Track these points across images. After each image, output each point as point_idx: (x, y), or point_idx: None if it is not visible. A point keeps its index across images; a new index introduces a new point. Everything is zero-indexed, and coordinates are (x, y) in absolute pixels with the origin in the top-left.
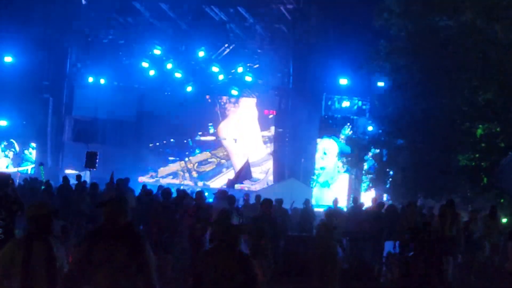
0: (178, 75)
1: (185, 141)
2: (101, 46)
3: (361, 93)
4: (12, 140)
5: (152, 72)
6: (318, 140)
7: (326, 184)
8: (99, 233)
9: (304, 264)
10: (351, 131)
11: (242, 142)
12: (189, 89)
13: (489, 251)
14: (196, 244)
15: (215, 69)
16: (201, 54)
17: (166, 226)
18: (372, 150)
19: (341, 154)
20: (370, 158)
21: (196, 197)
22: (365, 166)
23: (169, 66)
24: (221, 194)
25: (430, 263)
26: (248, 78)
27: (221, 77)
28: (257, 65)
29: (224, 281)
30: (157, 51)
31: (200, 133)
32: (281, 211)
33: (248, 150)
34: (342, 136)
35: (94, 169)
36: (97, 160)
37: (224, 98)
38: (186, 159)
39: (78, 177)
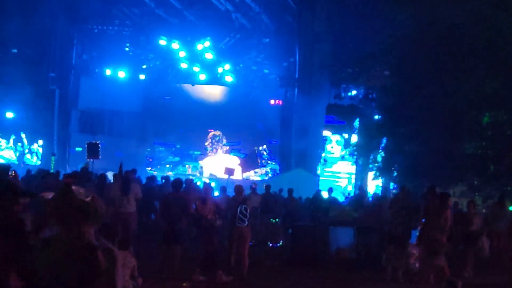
0: (184, 65)
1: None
2: (107, 38)
3: (367, 82)
4: (21, 134)
5: (158, 62)
6: (328, 133)
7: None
8: None
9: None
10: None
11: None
12: (202, 77)
13: (487, 242)
14: (205, 233)
15: (220, 59)
16: (207, 44)
17: (177, 216)
18: (379, 139)
19: (348, 144)
20: (378, 147)
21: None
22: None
23: (176, 56)
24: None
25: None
26: (254, 68)
27: (227, 67)
28: (263, 55)
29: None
30: (162, 42)
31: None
32: (292, 200)
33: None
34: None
35: (97, 159)
36: (99, 150)
37: (211, 133)
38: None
39: (84, 169)
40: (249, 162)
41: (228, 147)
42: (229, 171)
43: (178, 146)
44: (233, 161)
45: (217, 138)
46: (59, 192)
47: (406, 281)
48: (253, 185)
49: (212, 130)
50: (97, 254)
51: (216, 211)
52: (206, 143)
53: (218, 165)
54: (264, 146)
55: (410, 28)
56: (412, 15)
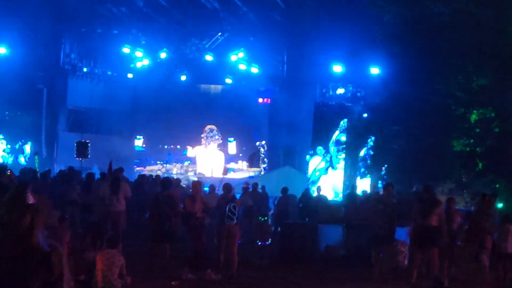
0: (171, 64)
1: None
2: (95, 37)
3: (355, 80)
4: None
5: (146, 62)
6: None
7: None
8: None
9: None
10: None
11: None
12: (183, 78)
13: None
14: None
15: (208, 57)
16: (195, 43)
17: (167, 215)
18: (368, 137)
19: (337, 142)
20: (366, 145)
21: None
22: (362, 153)
23: (163, 55)
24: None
25: None
26: (242, 67)
27: (214, 65)
28: (251, 54)
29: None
30: (150, 41)
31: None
32: (286, 198)
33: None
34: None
35: (86, 158)
36: (89, 149)
37: (207, 127)
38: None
39: (70, 168)
40: (255, 159)
41: (221, 141)
42: (225, 171)
43: (166, 146)
44: (221, 158)
45: (212, 133)
46: (12, 194)
47: (394, 278)
48: (245, 185)
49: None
50: (51, 257)
51: (204, 209)
52: (202, 135)
53: (208, 160)
54: (263, 142)
55: (398, 26)
56: (400, 14)
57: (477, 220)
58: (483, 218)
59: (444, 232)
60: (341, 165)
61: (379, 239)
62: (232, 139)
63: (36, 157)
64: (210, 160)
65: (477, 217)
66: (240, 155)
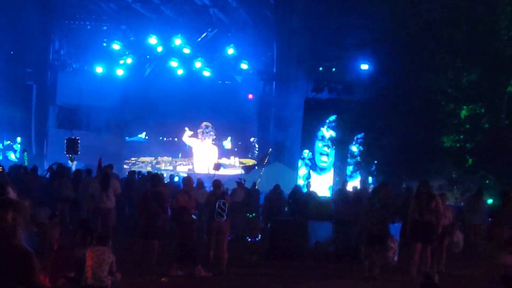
0: (161, 60)
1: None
2: (84, 33)
3: (345, 76)
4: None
5: (135, 58)
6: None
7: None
8: None
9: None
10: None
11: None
12: (180, 71)
13: (461, 236)
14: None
15: (197, 53)
16: (184, 39)
17: (156, 212)
18: (357, 133)
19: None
20: (355, 142)
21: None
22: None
23: (153, 51)
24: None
25: None
26: (232, 63)
27: (203, 62)
28: (240, 50)
29: None
30: (140, 37)
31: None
32: (276, 195)
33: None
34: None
35: (76, 155)
36: (78, 146)
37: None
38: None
39: (59, 165)
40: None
41: (215, 137)
42: (217, 167)
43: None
44: (215, 152)
45: (207, 130)
46: None
47: (383, 273)
48: (240, 180)
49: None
50: (32, 258)
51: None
52: (198, 130)
53: (204, 154)
54: (255, 139)
55: (388, 22)
56: (390, 10)
57: (501, 216)
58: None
59: (439, 228)
60: (326, 163)
61: (374, 238)
62: (229, 138)
63: (25, 153)
64: (206, 154)
65: (500, 213)
66: (236, 149)
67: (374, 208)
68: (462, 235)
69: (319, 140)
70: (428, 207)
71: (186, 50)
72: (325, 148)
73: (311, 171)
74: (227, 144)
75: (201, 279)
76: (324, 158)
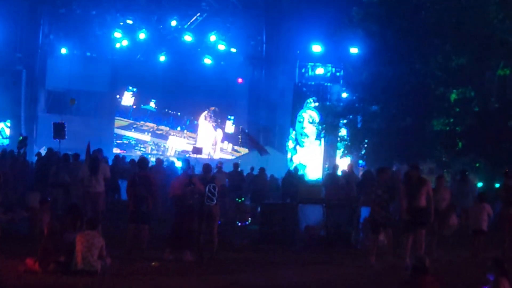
0: (150, 44)
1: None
2: (74, 17)
3: (334, 60)
4: None
5: (125, 42)
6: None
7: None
8: None
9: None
10: (325, 99)
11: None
12: (162, 58)
13: (457, 220)
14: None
15: (187, 38)
16: (174, 23)
17: (144, 196)
18: (347, 117)
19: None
20: (345, 125)
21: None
22: (342, 133)
23: (142, 36)
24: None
25: None
26: (221, 47)
27: (193, 46)
28: (230, 34)
29: None
30: (129, 21)
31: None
32: (261, 179)
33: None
34: (312, 105)
35: (63, 139)
36: (65, 130)
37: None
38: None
39: (49, 149)
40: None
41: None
42: (197, 150)
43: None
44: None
45: (214, 113)
46: None
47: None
48: (219, 164)
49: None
50: None
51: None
52: (205, 113)
53: (209, 134)
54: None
55: (377, 6)
56: None
57: None
58: None
59: (432, 212)
60: (308, 142)
61: (376, 225)
62: (232, 117)
63: (21, 138)
64: (211, 135)
65: None
66: (239, 136)
67: (376, 196)
68: (458, 219)
69: (299, 122)
70: (419, 192)
71: (176, 35)
72: (305, 130)
73: (297, 146)
74: (229, 127)
75: (192, 263)
76: (304, 139)
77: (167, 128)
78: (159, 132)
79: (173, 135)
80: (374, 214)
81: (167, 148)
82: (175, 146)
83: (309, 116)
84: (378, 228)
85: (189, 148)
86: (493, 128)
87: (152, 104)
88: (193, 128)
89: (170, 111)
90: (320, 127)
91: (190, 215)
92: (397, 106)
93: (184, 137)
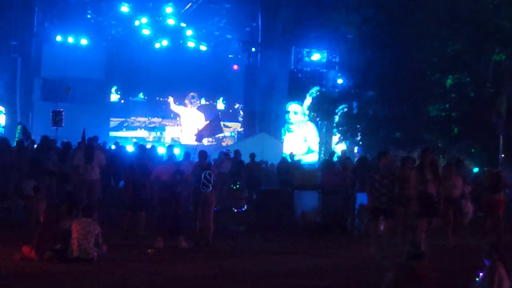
0: (146, 31)
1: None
2: (69, 4)
3: (330, 46)
4: None
5: (120, 29)
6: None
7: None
8: None
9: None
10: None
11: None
12: (157, 45)
13: (471, 209)
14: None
15: (182, 25)
16: (169, 10)
17: (142, 184)
18: (342, 103)
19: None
20: (341, 111)
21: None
22: (336, 119)
23: (137, 23)
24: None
25: None
26: (217, 33)
27: (189, 32)
28: (225, 20)
29: None
30: (124, 8)
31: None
32: (255, 165)
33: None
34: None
35: (60, 127)
36: (63, 118)
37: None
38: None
39: (45, 137)
40: (213, 126)
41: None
42: (200, 137)
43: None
44: (202, 118)
45: (194, 99)
46: None
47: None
48: (226, 151)
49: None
50: None
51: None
52: (185, 101)
53: (193, 119)
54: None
55: None
56: None
57: None
58: None
59: (442, 198)
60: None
61: (377, 212)
62: (221, 99)
63: (19, 127)
64: (195, 121)
65: None
66: (230, 111)
67: (374, 181)
68: (472, 206)
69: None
70: (433, 177)
71: (171, 21)
72: (290, 126)
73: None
74: (220, 104)
75: (188, 250)
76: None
77: (159, 119)
78: (151, 125)
79: (168, 125)
80: (374, 200)
81: (165, 139)
82: (172, 135)
83: (307, 106)
84: (377, 215)
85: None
86: (489, 113)
87: (141, 96)
88: None
89: (161, 99)
90: (312, 115)
91: (176, 201)
92: (393, 91)
93: (178, 125)
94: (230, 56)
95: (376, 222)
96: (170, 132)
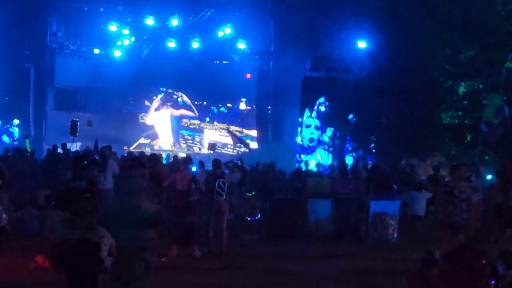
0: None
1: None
2: (81, 14)
3: (343, 54)
4: None
5: (133, 39)
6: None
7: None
8: None
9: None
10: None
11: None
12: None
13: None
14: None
15: (195, 34)
16: (179, 21)
17: (155, 192)
18: (355, 110)
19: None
20: (353, 119)
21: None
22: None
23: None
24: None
25: None
26: (230, 42)
27: (195, 44)
28: (238, 29)
29: None
30: (137, 18)
31: None
32: (274, 174)
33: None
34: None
35: (76, 136)
36: (78, 128)
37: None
38: None
39: (63, 145)
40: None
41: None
42: (211, 146)
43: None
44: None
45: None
46: None
47: (383, 251)
48: (239, 160)
49: None
50: None
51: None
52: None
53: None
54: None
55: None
56: None
57: None
58: None
59: None
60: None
61: (457, 227)
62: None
63: (27, 140)
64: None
65: None
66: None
67: (453, 196)
68: None
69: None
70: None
71: (184, 30)
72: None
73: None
74: (243, 105)
75: (201, 258)
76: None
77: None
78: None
79: (206, 128)
80: (453, 215)
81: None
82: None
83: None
84: (458, 230)
85: (222, 139)
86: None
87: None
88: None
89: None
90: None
91: (192, 210)
92: (405, 99)
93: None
94: (242, 65)
95: (457, 237)
96: (208, 135)
